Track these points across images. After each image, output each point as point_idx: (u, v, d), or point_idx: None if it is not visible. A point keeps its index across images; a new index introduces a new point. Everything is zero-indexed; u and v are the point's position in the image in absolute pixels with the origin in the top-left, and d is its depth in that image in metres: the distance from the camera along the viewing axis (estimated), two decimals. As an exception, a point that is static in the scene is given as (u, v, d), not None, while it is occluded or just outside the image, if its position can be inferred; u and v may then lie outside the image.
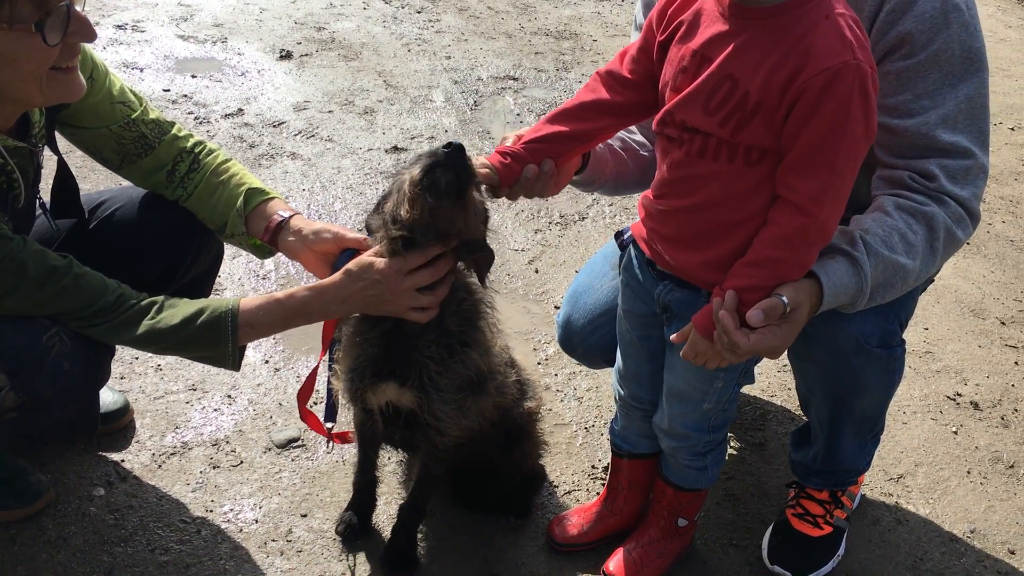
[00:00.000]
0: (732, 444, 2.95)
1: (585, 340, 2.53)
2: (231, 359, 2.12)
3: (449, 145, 1.87)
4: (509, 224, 4.07)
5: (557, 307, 3.56)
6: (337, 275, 2.08)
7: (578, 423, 2.99)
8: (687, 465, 2.27)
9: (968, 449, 3.02)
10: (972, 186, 1.94)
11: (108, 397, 2.75)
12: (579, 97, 2.04)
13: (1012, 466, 2.98)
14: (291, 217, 2.31)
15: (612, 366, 2.48)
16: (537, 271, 3.79)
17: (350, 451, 2.68)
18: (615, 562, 2.41)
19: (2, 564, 2.33)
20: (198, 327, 2.08)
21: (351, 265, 2.07)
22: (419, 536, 2.48)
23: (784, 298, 1.72)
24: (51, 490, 2.50)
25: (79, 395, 2.15)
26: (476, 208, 1.96)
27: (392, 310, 2.04)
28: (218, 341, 2.09)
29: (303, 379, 3.01)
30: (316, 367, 2.33)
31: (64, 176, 2.34)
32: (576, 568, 2.47)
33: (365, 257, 2.07)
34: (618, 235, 2.15)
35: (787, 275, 1.76)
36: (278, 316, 2.12)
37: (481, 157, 2.01)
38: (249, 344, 3.14)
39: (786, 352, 2.02)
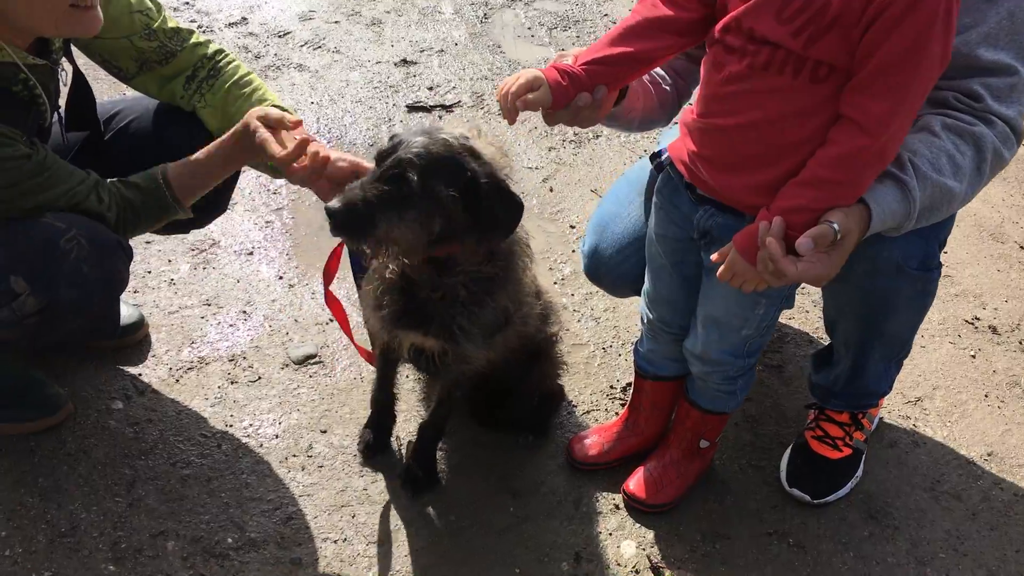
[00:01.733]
0: (750, 366, 2.94)
1: (613, 271, 2.48)
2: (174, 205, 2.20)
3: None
4: (522, 141, 3.99)
5: (572, 226, 3.51)
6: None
7: (596, 343, 2.97)
8: (717, 389, 2.25)
9: (986, 373, 3.02)
10: (1018, 104, 1.88)
11: (123, 311, 2.72)
12: (640, 14, 1.89)
13: (1029, 390, 2.98)
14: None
15: (639, 295, 2.44)
16: (552, 190, 3.72)
17: (368, 367, 2.67)
18: (635, 481, 2.42)
19: (23, 476, 2.33)
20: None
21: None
22: (439, 454, 2.48)
23: (835, 225, 1.67)
24: (70, 403, 2.49)
25: (100, 299, 2.12)
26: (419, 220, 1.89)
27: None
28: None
29: (317, 295, 2.99)
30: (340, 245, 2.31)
31: (80, 88, 2.27)
32: (596, 487, 2.48)
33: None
34: (653, 156, 2.08)
35: (840, 199, 1.70)
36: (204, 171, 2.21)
37: (531, 71, 1.88)
38: (263, 260, 3.13)
39: None
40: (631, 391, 2.75)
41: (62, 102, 2.24)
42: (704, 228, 1.98)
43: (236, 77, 2.34)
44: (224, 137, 2.17)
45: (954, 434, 2.77)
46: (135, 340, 2.75)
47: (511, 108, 1.84)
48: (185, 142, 2.38)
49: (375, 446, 2.48)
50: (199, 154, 2.20)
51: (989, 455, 2.71)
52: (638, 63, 1.90)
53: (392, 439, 2.53)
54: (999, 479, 2.63)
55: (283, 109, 2.29)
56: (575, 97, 1.87)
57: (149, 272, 3.03)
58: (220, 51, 2.37)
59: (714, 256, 1.85)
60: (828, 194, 1.70)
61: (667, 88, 2.32)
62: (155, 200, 2.18)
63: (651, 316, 2.30)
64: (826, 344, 2.55)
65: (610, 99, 1.98)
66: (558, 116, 1.92)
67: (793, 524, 2.43)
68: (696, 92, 1.92)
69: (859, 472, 2.54)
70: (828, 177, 1.69)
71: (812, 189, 1.71)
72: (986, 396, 2.93)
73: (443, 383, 2.33)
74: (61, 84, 2.17)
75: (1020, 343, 3.17)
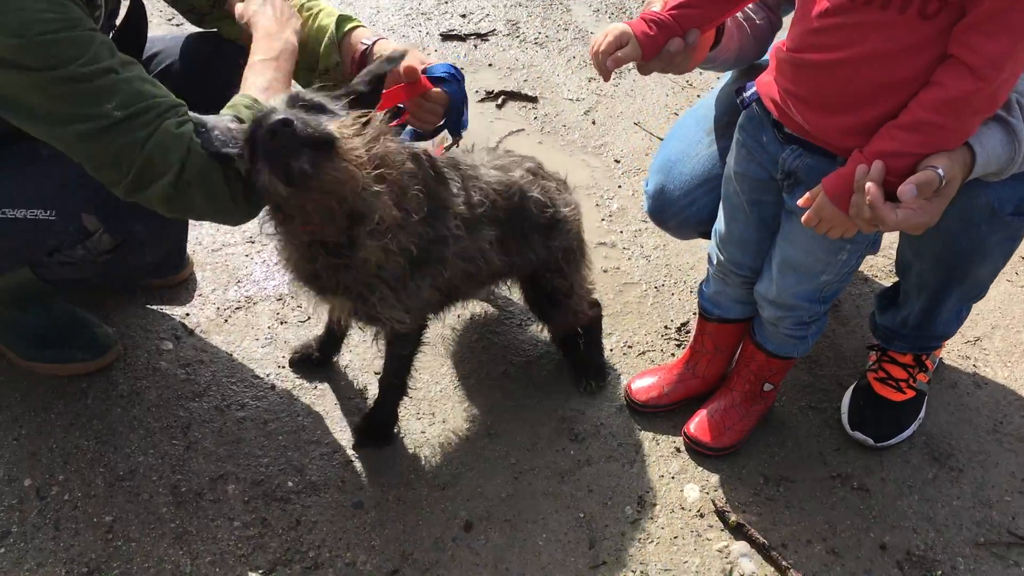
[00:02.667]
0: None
1: (680, 213, 2.39)
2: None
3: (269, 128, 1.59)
4: (560, 71, 3.87)
5: (617, 161, 3.42)
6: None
7: (648, 282, 2.91)
8: (787, 334, 2.20)
9: (1045, 312, 2.96)
10: None
11: (168, 249, 2.66)
12: None
13: (1089, 330, 2.92)
14: (375, 43, 2.11)
15: (705, 237, 2.37)
16: (594, 122, 3.62)
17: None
18: (697, 424, 2.38)
19: (78, 418, 2.30)
20: None
21: None
22: (499, 396, 2.45)
23: (940, 171, 1.58)
24: (119, 343, 2.44)
25: (171, 232, 2.06)
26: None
27: None
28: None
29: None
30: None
31: (136, 15, 2.16)
32: (655, 429, 2.44)
33: None
34: (738, 91, 1.98)
35: (943, 144, 1.61)
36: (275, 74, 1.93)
37: (617, 26, 1.81)
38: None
39: None
40: (688, 331, 2.71)
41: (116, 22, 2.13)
42: (789, 169, 1.90)
43: None
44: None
45: (1015, 374, 2.72)
46: (181, 278, 2.69)
47: (603, 67, 1.83)
48: (233, 82, 2.30)
49: (313, 360, 2.47)
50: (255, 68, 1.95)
51: (1053, 394, 2.66)
52: (728, 2, 1.81)
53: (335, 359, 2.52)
54: (1062, 421, 2.59)
55: (350, 17, 2.16)
56: (665, 44, 1.81)
57: (189, 209, 2.95)
58: None
59: (801, 200, 1.77)
60: (930, 139, 1.61)
61: (760, 22, 2.21)
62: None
63: (721, 257, 2.23)
64: (889, 284, 2.49)
65: (705, 42, 1.89)
66: (651, 66, 1.87)
67: (856, 467, 2.40)
68: (790, 24, 1.82)
69: (922, 414, 2.49)
70: (932, 121, 1.60)
71: (913, 133, 1.62)
72: (1046, 335, 2.88)
73: (385, 340, 2.20)
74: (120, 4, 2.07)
75: (1079, 281, 3.10)
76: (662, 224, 2.52)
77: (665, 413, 2.46)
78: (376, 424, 2.31)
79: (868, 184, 1.60)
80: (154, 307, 2.60)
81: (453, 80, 2.08)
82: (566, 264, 2.29)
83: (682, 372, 2.47)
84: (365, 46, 2.10)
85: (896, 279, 2.42)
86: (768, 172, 1.98)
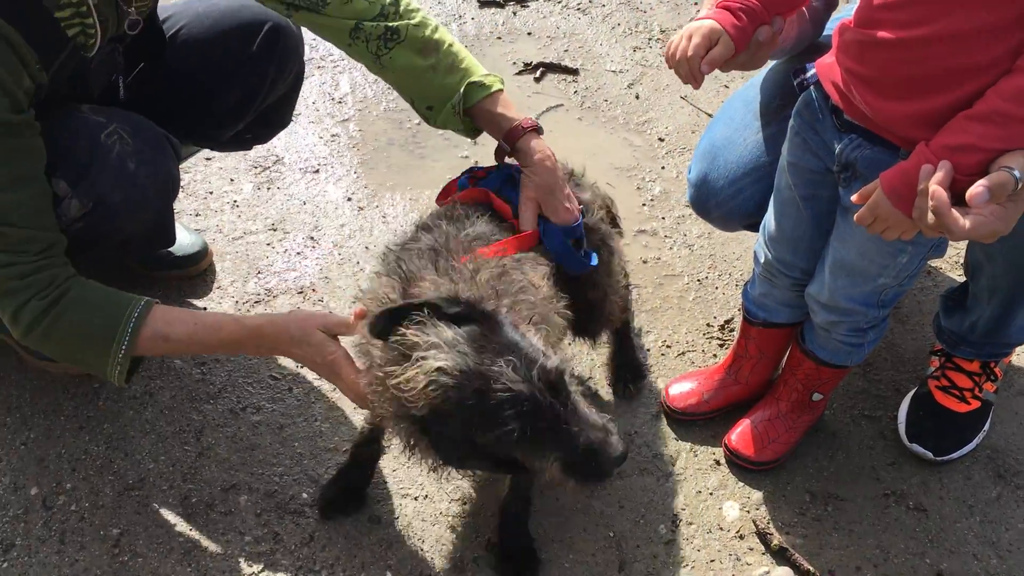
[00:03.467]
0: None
1: (725, 204, 2.20)
2: (116, 368, 1.79)
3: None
4: (603, 40, 3.65)
5: (661, 139, 3.22)
6: (285, 322, 1.80)
7: (690, 275, 2.73)
8: (841, 341, 2.01)
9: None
10: None
11: (186, 239, 2.55)
12: None
13: None
14: (529, 133, 1.95)
15: (752, 230, 2.19)
16: (638, 97, 3.41)
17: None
18: (738, 435, 2.22)
19: (88, 421, 2.21)
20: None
21: (309, 328, 1.77)
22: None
23: (1016, 172, 1.38)
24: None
25: (149, 200, 1.94)
26: None
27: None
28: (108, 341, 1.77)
29: (389, 219, 2.78)
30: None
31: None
32: (693, 439, 2.28)
33: (337, 327, 1.78)
34: (796, 72, 1.79)
35: (1021, 140, 1.41)
36: (198, 339, 1.82)
37: (702, 25, 1.65)
38: (329, 179, 2.92)
39: None
40: (732, 329, 2.53)
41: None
42: (847, 160, 1.71)
43: (421, 38, 1.97)
44: (250, 321, 1.86)
45: (1091, 380, 2.50)
46: (199, 270, 2.58)
47: (696, 73, 1.69)
48: (243, 50, 2.16)
49: (338, 505, 2.08)
50: (206, 315, 1.91)
51: None
52: None
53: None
54: None
55: (484, 84, 1.98)
56: (753, 34, 1.67)
57: (211, 193, 2.84)
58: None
59: (855, 196, 1.59)
60: (1007, 133, 1.41)
61: (816, 2, 2.00)
62: (103, 326, 1.76)
63: (769, 255, 2.05)
64: (958, 284, 2.28)
65: (790, 29, 1.72)
66: (735, 62, 1.72)
67: (912, 484, 2.22)
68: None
69: (986, 426, 2.30)
70: (1010, 113, 1.39)
71: (987, 125, 1.41)
72: None
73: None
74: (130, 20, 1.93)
75: None
76: (705, 215, 2.33)
77: (704, 421, 2.30)
78: (515, 549, 2.02)
79: (933, 187, 1.40)
80: (171, 300, 2.50)
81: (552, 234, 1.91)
82: (597, 272, 2.10)
83: (723, 378, 2.30)
84: (523, 131, 1.95)
85: (964, 277, 2.21)
86: (824, 163, 1.80)
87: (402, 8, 1.96)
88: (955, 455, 2.24)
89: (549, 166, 1.92)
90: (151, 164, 1.92)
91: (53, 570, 1.95)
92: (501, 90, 2.00)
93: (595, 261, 1.97)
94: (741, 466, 2.21)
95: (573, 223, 1.92)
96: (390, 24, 1.94)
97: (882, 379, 2.45)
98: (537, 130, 1.97)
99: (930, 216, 1.42)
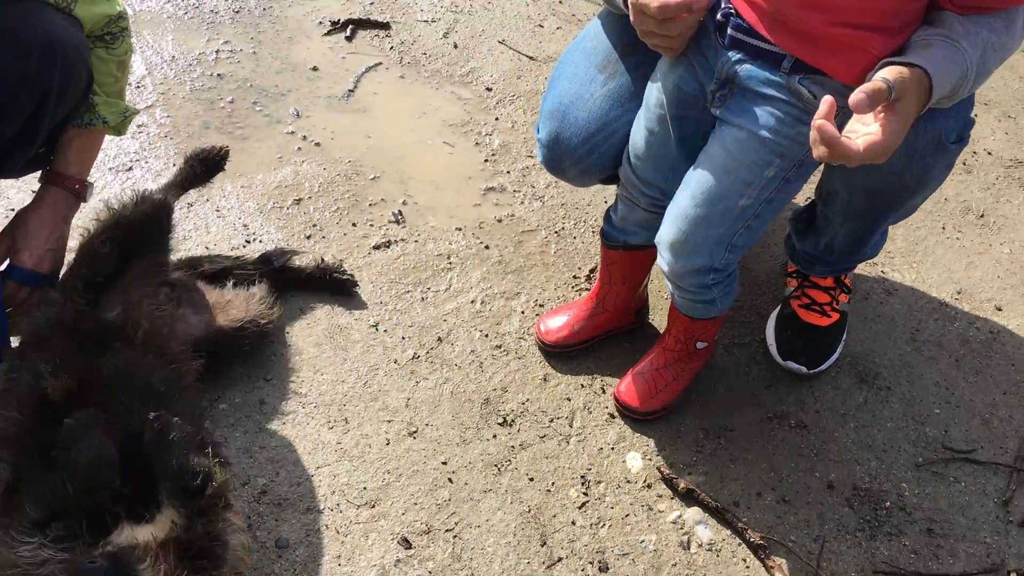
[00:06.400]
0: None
1: (581, 161, 2.16)
2: None
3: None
4: (408, -12, 3.52)
5: (489, 89, 3.16)
6: None
7: (547, 228, 2.71)
8: (692, 300, 2.06)
9: (938, 203, 2.94)
10: None
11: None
12: None
13: (982, 216, 2.93)
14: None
15: (609, 183, 2.19)
16: (456, 46, 3.32)
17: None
18: (627, 387, 2.25)
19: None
20: None
21: None
22: (413, 386, 2.24)
23: (888, 78, 1.45)
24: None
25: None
26: None
27: None
28: None
29: (223, 212, 2.59)
30: None
31: None
32: (586, 397, 2.29)
33: None
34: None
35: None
36: None
37: None
38: (147, 177, 2.67)
39: None
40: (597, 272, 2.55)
41: None
42: (728, 74, 1.78)
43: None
44: None
45: (922, 275, 2.70)
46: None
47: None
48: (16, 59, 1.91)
49: None
50: None
51: (959, 294, 2.66)
52: None
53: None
54: (973, 318, 2.60)
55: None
56: None
57: (12, 210, 2.53)
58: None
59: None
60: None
61: None
62: None
63: (631, 175, 2.06)
64: (803, 206, 2.39)
65: None
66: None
67: (790, 403, 2.33)
68: None
69: (844, 335, 2.44)
70: None
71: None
72: (943, 228, 2.87)
73: None
74: None
75: (963, 164, 3.10)
76: (560, 174, 2.29)
77: (577, 353, 2.36)
78: None
79: (818, 122, 1.44)
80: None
81: None
82: None
83: (592, 308, 2.34)
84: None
85: (808, 199, 2.31)
86: (700, 84, 1.84)
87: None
88: (825, 365, 2.38)
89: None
90: None
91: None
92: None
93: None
94: (632, 418, 2.24)
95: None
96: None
97: (743, 305, 2.55)
98: (78, 196, 2.04)
99: (822, 149, 1.46)
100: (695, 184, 1.90)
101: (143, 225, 2.08)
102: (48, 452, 1.56)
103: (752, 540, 2.04)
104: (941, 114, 1.73)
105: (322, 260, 2.44)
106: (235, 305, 2.20)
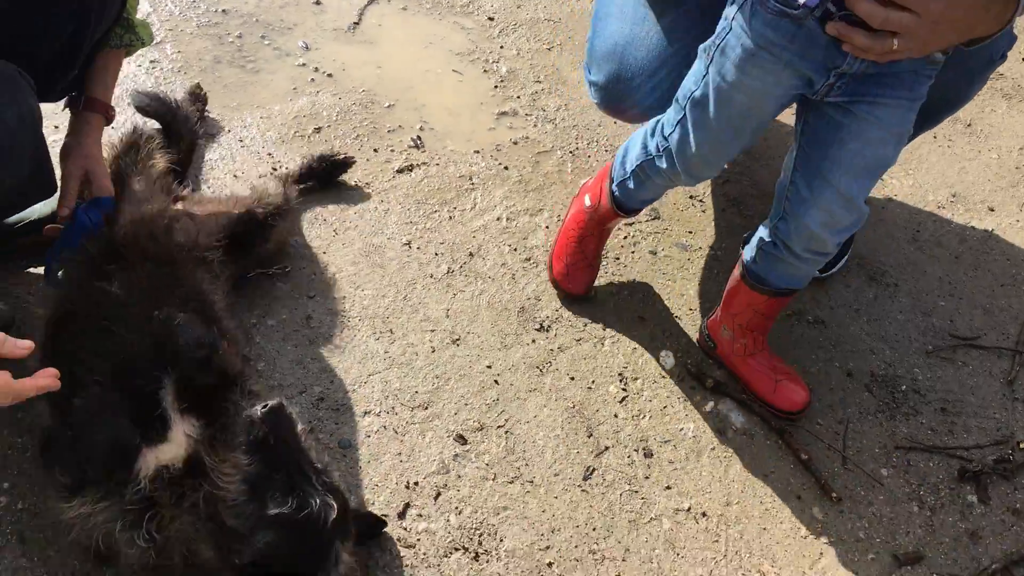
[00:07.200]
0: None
1: (644, 100, 2.21)
2: None
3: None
4: (400, -77, 3.54)
5: (491, 18, 3.22)
6: None
7: (562, 148, 2.80)
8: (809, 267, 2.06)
9: (928, 115, 3.09)
10: None
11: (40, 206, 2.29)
12: None
13: (969, 124, 3.08)
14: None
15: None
16: (455, -22, 3.37)
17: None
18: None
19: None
20: None
21: None
22: (451, 297, 2.33)
23: None
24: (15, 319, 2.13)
25: (24, 142, 1.79)
26: None
27: None
28: None
29: (246, 142, 2.64)
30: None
31: None
32: (615, 301, 2.40)
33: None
34: None
35: None
36: None
37: None
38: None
39: None
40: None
41: None
42: (855, 72, 1.69)
43: None
44: None
45: (918, 181, 2.84)
46: (57, 230, 2.34)
47: None
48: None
49: None
50: None
51: (954, 196, 2.81)
52: None
53: None
54: (968, 218, 2.75)
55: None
56: None
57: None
58: None
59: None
60: None
61: None
62: None
63: (676, 169, 2.04)
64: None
65: None
66: None
67: (806, 301, 2.47)
68: None
69: (853, 240, 2.58)
70: None
71: None
72: (935, 137, 3.01)
73: None
74: None
75: (949, 78, 3.24)
76: (619, 114, 2.34)
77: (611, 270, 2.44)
78: None
79: (832, 26, 1.54)
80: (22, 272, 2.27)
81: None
82: None
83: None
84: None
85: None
86: (808, 83, 1.75)
87: None
88: (835, 269, 2.51)
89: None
90: (13, 104, 1.73)
91: (27, 573, 1.80)
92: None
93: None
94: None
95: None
96: None
97: (754, 213, 2.67)
98: (110, 121, 2.10)
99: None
100: (857, 169, 1.83)
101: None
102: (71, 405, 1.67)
103: (777, 426, 2.18)
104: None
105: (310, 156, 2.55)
106: (240, 199, 2.28)
